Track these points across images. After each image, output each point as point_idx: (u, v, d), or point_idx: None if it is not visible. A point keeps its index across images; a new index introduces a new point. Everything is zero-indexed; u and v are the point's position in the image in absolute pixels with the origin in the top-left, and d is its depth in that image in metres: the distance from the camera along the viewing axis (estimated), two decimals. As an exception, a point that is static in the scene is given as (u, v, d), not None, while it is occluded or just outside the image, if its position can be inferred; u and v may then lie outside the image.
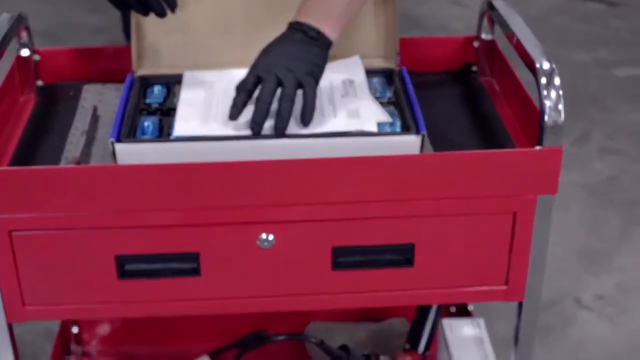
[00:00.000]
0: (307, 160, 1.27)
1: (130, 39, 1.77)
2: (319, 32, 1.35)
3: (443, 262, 1.35)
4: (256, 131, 1.30)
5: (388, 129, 1.36)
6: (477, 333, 1.68)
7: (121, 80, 1.58)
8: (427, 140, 1.35)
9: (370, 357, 1.73)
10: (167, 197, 1.26)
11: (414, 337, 1.74)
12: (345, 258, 1.33)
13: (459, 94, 1.59)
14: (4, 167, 1.30)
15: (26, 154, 1.40)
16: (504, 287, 1.38)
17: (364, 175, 1.27)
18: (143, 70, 1.53)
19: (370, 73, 1.53)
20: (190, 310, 1.36)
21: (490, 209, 1.32)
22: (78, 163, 1.32)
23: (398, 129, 1.36)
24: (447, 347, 1.64)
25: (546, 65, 1.30)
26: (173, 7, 1.41)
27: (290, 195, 1.28)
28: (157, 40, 1.53)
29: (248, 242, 1.31)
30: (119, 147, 1.33)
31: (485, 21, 1.60)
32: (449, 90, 1.60)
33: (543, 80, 1.29)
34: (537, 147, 1.29)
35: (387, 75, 1.54)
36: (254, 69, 1.33)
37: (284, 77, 1.30)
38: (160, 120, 1.40)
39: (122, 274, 1.32)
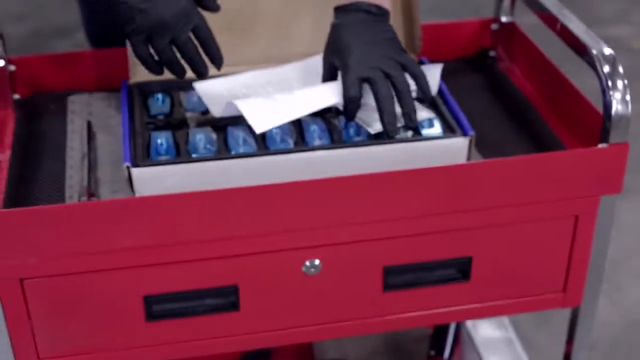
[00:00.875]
0: (353, 177, 1.14)
1: (93, 42, 1.60)
2: (378, 7, 1.22)
3: (500, 273, 1.24)
4: (394, 134, 1.17)
5: (427, 128, 1.23)
6: (504, 334, 1.58)
7: (109, 88, 1.42)
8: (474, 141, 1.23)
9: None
10: (200, 228, 1.11)
11: (437, 343, 1.63)
12: (397, 277, 1.21)
13: (482, 84, 1.47)
14: (7, 210, 1.12)
15: (22, 186, 1.22)
16: (561, 294, 1.28)
17: (416, 189, 1.15)
18: (138, 76, 1.36)
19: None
20: (227, 348, 1.21)
21: (551, 213, 1.21)
22: (90, 195, 1.15)
23: (438, 129, 1.23)
24: (476, 350, 1.54)
25: (607, 52, 1.19)
26: (219, 64, 1.25)
27: (337, 215, 1.14)
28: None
29: (293, 269, 1.17)
30: (136, 172, 1.16)
31: (506, 2, 1.47)
32: (471, 79, 1.48)
33: (606, 69, 1.17)
34: (602, 145, 1.17)
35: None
36: (349, 72, 1.18)
37: (388, 68, 1.17)
38: (174, 136, 1.24)
39: (151, 315, 1.16)
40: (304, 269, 1.17)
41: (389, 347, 1.73)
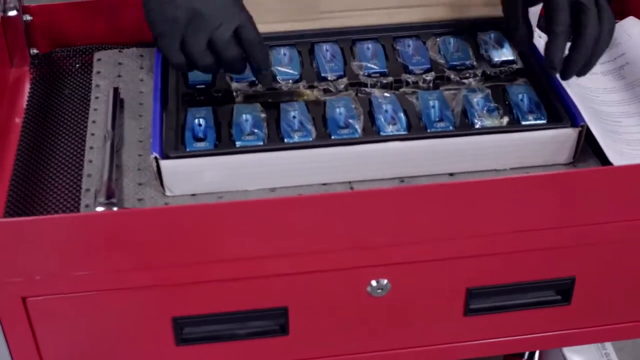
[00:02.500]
0: (435, 185, 0.92)
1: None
2: None
3: (604, 295, 1.01)
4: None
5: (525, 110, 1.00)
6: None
7: (143, 43, 1.19)
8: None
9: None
10: (243, 243, 0.89)
11: None
12: (482, 301, 0.98)
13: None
14: (8, 220, 0.92)
15: (33, 173, 1.01)
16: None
17: (514, 199, 0.91)
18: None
19: (478, 26, 1.15)
20: (273, 376, 1.00)
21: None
22: (109, 195, 0.93)
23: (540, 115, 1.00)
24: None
25: None
26: (264, 75, 1.01)
27: (411, 230, 0.91)
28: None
29: (356, 290, 0.95)
30: (166, 166, 0.95)
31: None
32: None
33: None
34: None
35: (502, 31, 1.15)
36: None
37: None
38: (215, 113, 1.02)
39: (182, 339, 0.96)
40: (369, 289, 0.95)
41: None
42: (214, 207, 0.88)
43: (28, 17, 1.17)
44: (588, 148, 1.01)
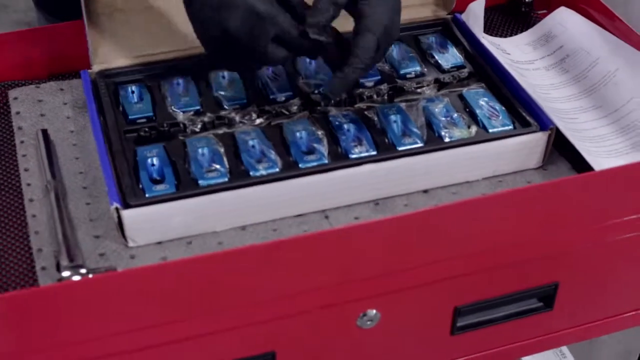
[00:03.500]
0: (421, 212, 0.88)
1: (41, 9, 1.27)
2: None
3: (585, 296, 1.00)
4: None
5: (488, 116, 0.97)
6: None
7: (58, 75, 1.09)
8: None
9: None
10: (231, 293, 0.83)
11: None
12: (468, 318, 0.95)
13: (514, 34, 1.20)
14: None
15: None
16: (647, 308, 1.05)
17: (499, 215, 0.88)
18: (101, 60, 1.04)
19: (417, 29, 1.11)
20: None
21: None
22: (72, 257, 0.85)
23: (504, 120, 0.97)
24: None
25: None
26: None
27: (397, 258, 0.87)
28: (121, 20, 1.04)
29: (345, 324, 0.90)
30: (128, 215, 0.87)
31: None
32: (503, 29, 1.20)
33: None
34: None
35: (444, 31, 1.12)
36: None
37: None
38: (166, 149, 0.94)
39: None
40: (358, 322, 0.90)
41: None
42: (188, 263, 0.81)
43: None
44: (554, 149, 0.99)
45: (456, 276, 0.91)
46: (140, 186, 0.90)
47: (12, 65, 1.09)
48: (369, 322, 0.90)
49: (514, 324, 0.98)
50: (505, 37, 1.18)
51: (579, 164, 0.97)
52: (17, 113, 1.05)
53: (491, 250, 0.91)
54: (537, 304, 0.98)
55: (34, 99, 1.07)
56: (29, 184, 0.96)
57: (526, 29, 1.20)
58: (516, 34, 1.20)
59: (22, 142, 1.02)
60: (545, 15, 1.20)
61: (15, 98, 1.07)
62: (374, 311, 0.90)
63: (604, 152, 0.98)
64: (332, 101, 0.98)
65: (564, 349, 1.31)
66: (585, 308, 1.01)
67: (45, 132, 1.01)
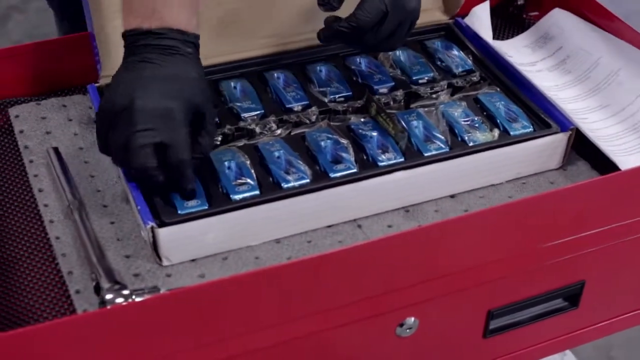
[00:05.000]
0: (456, 219, 0.88)
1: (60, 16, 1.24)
2: None
3: (610, 293, 1.01)
4: None
5: (507, 119, 0.98)
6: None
7: (58, 91, 1.06)
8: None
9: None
10: (276, 308, 0.81)
11: None
12: (499, 321, 0.95)
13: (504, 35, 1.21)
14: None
15: (-2, 262, 0.88)
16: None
17: (530, 219, 0.89)
18: (108, 77, 1.01)
19: (421, 34, 1.12)
20: None
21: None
22: (111, 278, 0.82)
23: (523, 122, 0.98)
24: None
25: None
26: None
27: (435, 265, 0.87)
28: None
29: (384, 334, 0.89)
30: (163, 233, 0.84)
31: None
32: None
33: None
34: None
35: (448, 36, 1.13)
36: None
37: None
38: (190, 165, 0.92)
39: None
40: (398, 331, 0.89)
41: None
42: (241, 278, 0.79)
43: None
44: (571, 149, 1.00)
45: (490, 280, 0.91)
46: (170, 204, 0.87)
47: (9, 81, 1.06)
48: (408, 330, 0.90)
49: (540, 324, 0.99)
50: (499, 39, 1.19)
51: (599, 163, 0.98)
52: (21, 132, 1.02)
53: (522, 254, 0.91)
54: (563, 304, 0.99)
55: (37, 116, 1.03)
56: (46, 205, 0.93)
57: (519, 32, 1.21)
58: (509, 36, 1.21)
59: (31, 161, 0.98)
60: (537, 17, 1.22)
61: (17, 116, 1.04)
62: (413, 319, 0.90)
63: (619, 151, 1.00)
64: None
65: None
66: (607, 305, 1.02)
67: (57, 150, 0.97)
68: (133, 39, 0.87)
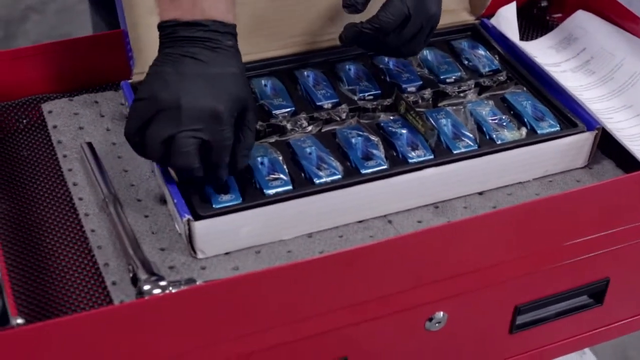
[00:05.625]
0: (487, 215, 0.91)
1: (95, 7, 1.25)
2: None
3: (635, 291, 1.03)
4: None
5: (534, 118, 1.00)
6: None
7: (89, 88, 1.08)
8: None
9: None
10: (307, 302, 0.83)
11: None
12: (526, 317, 0.97)
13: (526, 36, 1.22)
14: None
15: (26, 256, 0.89)
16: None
17: (559, 216, 0.91)
18: (141, 74, 1.03)
19: (447, 34, 1.13)
20: None
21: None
22: (149, 270, 0.83)
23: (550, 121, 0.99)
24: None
25: None
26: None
27: (464, 260, 0.88)
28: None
29: (414, 328, 0.91)
30: (199, 227, 0.86)
31: None
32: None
33: None
34: None
35: (474, 36, 1.14)
36: None
37: None
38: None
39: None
40: (427, 325, 0.91)
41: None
42: (276, 271, 0.81)
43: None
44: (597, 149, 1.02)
45: (517, 276, 0.93)
46: (205, 197, 0.89)
47: (42, 78, 1.07)
48: (437, 325, 0.91)
49: (565, 320, 1.00)
50: (523, 40, 1.20)
51: (623, 161, 1.00)
52: (55, 127, 1.03)
53: (549, 250, 0.92)
54: (587, 301, 1.00)
55: (69, 112, 1.05)
56: (80, 199, 0.95)
57: (543, 33, 1.22)
58: (533, 38, 1.22)
59: (64, 156, 1.00)
60: (560, 18, 1.23)
61: (50, 111, 1.05)
62: (442, 313, 0.91)
63: (645, 150, 1.01)
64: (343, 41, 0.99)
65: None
66: (631, 302, 1.04)
67: (90, 145, 0.99)
68: (171, 30, 0.87)
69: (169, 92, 0.84)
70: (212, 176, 0.88)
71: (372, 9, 0.97)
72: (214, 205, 0.88)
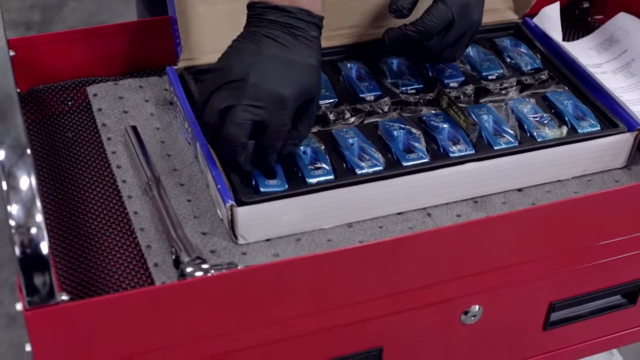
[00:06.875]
0: (525, 211, 0.91)
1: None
2: None
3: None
4: None
5: (575, 117, 1.00)
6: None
7: (135, 72, 1.09)
8: None
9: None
10: (345, 290, 0.84)
11: None
12: (560, 314, 0.98)
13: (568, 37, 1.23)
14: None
15: (71, 235, 0.90)
16: None
17: (594, 214, 0.91)
18: (187, 60, 1.04)
19: (490, 32, 1.14)
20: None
21: None
22: (191, 253, 0.85)
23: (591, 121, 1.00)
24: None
25: None
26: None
27: (504, 255, 0.89)
28: (208, 17, 1.04)
29: (450, 321, 0.92)
30: (242, 212, 0.87)
31: None
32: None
33: None
34: None
35: (517, 34, 1.14)
36: None
37: None
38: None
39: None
40: (462, 318, 0.92)
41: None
42: (317, 257, 0.82)
43: (11, 53, 1.04)
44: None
45: (553, 273, 0.93)
46: (253, 182, 0.90)
47: (88, 61, 1.09)
48: (472, 318, 0.92)
49: (598, 319, 1.01)
50: (564, 41, 1.21)
51: (662, 165, 1.00)
52: (99, 110, 1.05)
53: (585, 248, 0.93)
54: (621, 300, 1.00)
55: (114, 96, 1.07)
56: (124, 181, 0.96)
57: (584, 34, 1.23)
58: (574, 38, 1.22)
59: (109, 138, 1.01)
60: (602, 20, 1.23)
61: (95, 94, 1.07)
62: (477, 307, 0.92)
63: (682, 154, 1.01)
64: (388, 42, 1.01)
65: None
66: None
67: (135, 129, 1.00)
68: (260, 10, 0.89)
69: (241, 66, 0.86)
70: (260, 159, 0.89)
71: (415, 15, 0.98)
72: (260, 189, 0.89)
